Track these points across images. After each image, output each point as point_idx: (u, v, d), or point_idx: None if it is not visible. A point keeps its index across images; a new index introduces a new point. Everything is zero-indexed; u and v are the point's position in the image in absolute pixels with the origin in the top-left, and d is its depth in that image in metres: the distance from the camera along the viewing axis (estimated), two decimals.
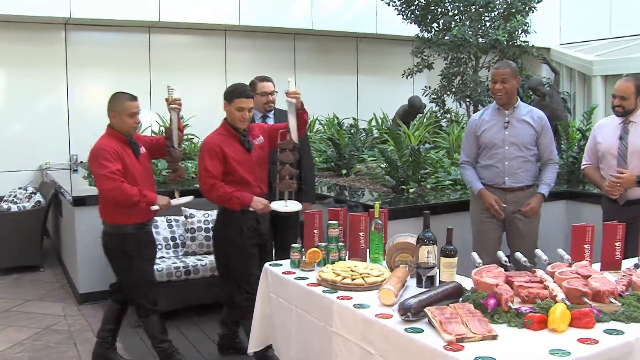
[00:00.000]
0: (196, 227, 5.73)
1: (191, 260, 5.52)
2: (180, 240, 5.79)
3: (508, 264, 3.42)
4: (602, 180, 4.79)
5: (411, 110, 8.90)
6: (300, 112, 4.45)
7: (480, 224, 5.04)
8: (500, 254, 3.59)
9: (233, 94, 4.41)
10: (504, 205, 4.91)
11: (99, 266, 5.94)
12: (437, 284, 3.32)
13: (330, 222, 3.84)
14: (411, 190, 6.09)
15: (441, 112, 9.59)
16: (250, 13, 10.32)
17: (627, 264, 3.67)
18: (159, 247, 5.65)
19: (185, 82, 10.24)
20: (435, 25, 9.33)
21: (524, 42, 9.19)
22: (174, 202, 4.48)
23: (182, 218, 5.84)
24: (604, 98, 10.15)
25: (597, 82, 10.16)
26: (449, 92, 9.20)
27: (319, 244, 3.84)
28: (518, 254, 3.62)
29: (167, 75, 10.19)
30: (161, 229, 5.74)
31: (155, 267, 5.29)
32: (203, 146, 4.48)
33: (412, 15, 9.33)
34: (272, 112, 5.24)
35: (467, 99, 9.04)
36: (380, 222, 3.81)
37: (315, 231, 3.90)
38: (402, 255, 3.59)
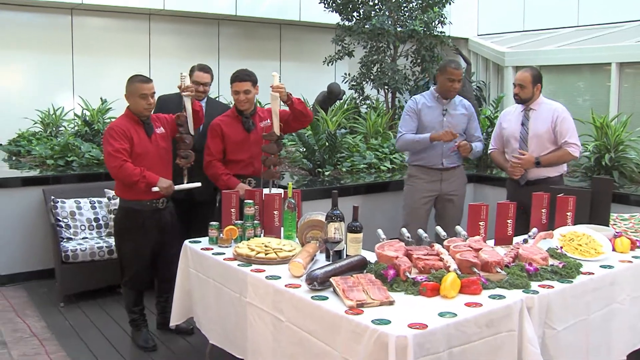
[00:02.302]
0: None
1: (114, 241, 5.64)
2: (104, 221, 5.90)
3: (409, 239, 3.73)
4: (506, 162, 5.22)
5: (330, 96, 9.15)
6: (290, 103, 4.65)
7: (415, 202, 5.48)
8: (404, 230, 3.90)
9: (231, 79, 4.77)
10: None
11: (20, 248, 6.01)
12: (344, 258, 3.59)
13: (246, 201, 4.07)
14: (327, 173, 6.37)
15: (360, 98, 9.89)
16: None
17: (519, 240, 4.04)
18: (82, 227, 5.76)
19: (109, 65, 10.27)
20: (355, 14, 9.58)
21: (441, 32, 9.57)
22: (178, 187, 4.57)
23: (105, 199, 5.95)
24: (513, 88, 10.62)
25: (508, 72, 10.66)
26: (368, 80, 9.50)
27: (236, 222, 4.07)
28: (438, 228, 3.93)
29: (90, 58, 10.16)
30: (84, 210, 5.84)
31: (79, 247, 5.43)
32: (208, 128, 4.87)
33: (334, 4, 9.57)
34: (204, 100, 5.41)
35: (385, 87, 9.36)
36: (293, 201, 4.05)
37: (232, 210, 4.12)
38: (313, 232, 3.85)
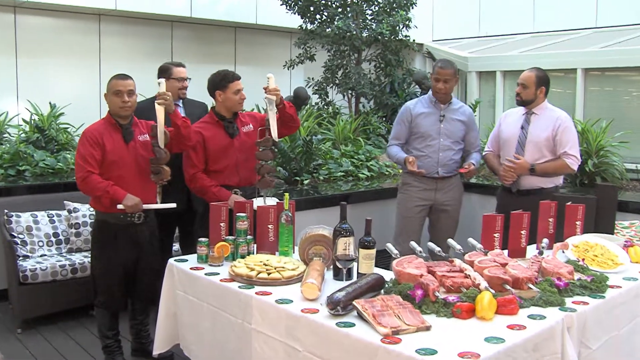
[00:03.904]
0: (81, 221, 5.34)
1: (77, 258, 5.15)
2: (64, 236, 5.38)
3: (424, 254, 3.40)
4: (500, 167, 4.94)
5: (297, 101, 8.81)
6: (281, 107, 4.30)
7: (408, 211, 5.19)
8: (414, 244, 3.58)
9: (226, 79, 4.38)
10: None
11: None
12: (356, 276, 3.26)
13: (238, 214, 3.68)
14: (305, 182, 6.02)
15: (323, 104, 9.58)
16: None
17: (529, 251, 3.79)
18: (40, 244, 5.24)
19: (57, 68, 9.70)
20: (318, 16, 9.28)
21: (406, 36, 9.35)
22: (147, 206, 4.08)
23: (64, 212, 5.43)
24: (478, 92, 10.52)
25: (472, 77, 10.50)
26: (332, 84, 9.20)
27: (227, 237, 3.68)
28: (431, 244, 3.63)
29: (36, 60, 9.55)
30: (42, 224, 5.31)
31: (38, 265, 4.92)
32: None
33: (296, 6, 9.25)
34: (182, 100, 4.99)
35: (351, 91, 9.08)
36: (290, 214, 3.69)
37: (221, 224, 3.72)
38: (316, 247, 3.50)
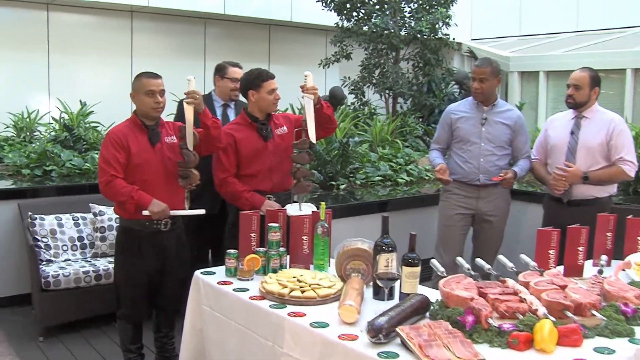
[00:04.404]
0: (106, 225, 5.13)
1: (102, 263, 4.93)
2: (89, 240, 5.16)
3: (472, 272, 3.10)
4: (548, 176, 4.59)
5: (332, 101, 8.52)
6: (319, 107, 4.02)
7: (449, 219, 4.87)
8: (461, 260, 3.28)
9: (260, 77, 4.09)
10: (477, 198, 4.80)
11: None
12: (398, 296, 2.97)
13: (270, 224, 3.41)
14: (342, 187, 5.73)
15: (359, 104, 9.28)
16: None
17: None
18: (64, 248, 5.04)
19: (88, 65, 9.59)
20: (354, 14, 9.00)
21: (445, 34, 9.01)
22: (174, 212, 3.82)
23: (90, 215, 5.21)
24: (520, 94, 10.18)
25: (514, 78, 10.16)
26: (369, 84, 8.90)
27: (257, 249, 3.41)
28: (480, 261, 3.32)
29: (68, 58, 9.45)
30: (67, 227, 5.11)
31: (61, 271, 4.71)
32: None
33: (332, 4, 8.98)
34: (235, 102, 4.77)
35: (388, 91, 8.77)
36: (326, 225, 3.42)
37: (252, 235, 3.45)
38: (354, 262, 3.21)
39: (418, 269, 2.96)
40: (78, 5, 9.47)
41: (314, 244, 3.42)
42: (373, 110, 9.21)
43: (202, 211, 3.91)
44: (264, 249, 3.40)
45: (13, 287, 5.33)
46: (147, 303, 3.96)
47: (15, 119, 8.03)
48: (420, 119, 9.45)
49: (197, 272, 3.41)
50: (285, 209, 3.73)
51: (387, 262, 2.92)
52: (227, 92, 4.72)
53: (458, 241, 4.84)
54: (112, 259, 4.93)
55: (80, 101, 8.04)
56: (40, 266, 4.78)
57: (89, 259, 5.06)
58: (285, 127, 4.23)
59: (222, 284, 3.22)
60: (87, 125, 7.54)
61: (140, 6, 9.62)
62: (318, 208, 3.52)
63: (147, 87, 3.76)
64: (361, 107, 9.27)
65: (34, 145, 6.87)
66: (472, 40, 12.80)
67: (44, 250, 4.94)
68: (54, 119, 7.82)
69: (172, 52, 10.12)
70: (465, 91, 8.24)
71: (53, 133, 7.43)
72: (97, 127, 7.76)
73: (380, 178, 6.01)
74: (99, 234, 5.12)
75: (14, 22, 9.12)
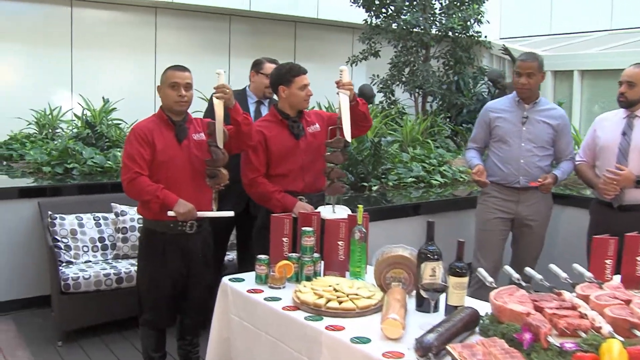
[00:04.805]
0: (128, 226, 4.93)
1: (123, 266, 4.73)
2: (110, 241, 4.97)
3: (524, 284, 2.85)
4: (596, 178, 4.30)
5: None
6: (354, 104, 3.77)
7: (487, 223, 4.60)
8: (509, 269, 3.03)
9: (291, 72, 3.84)
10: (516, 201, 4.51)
11: (8, 271, 5.09)
12: (443, 308, 2.74)
13: (304, 229, 3.18)
14: (374, 188, 5.48)
15: (388, 102, 9.04)
16: None
17: None
18: (85, 249, 4.85)
19: (112, 62, 9.47)
20: (383, 10, 8.76)
21: (477, 32, 8.74)
22: (202, 213, 3.60)
23: (111, 215, 5.02)
24: (553, 93, 9.90)
25: (547, 77, 9.87)
26: (399, 82, 8.65)
27: (290, 255, 3.18)
28: (530, 271, 3.07)
29: (91, 54, 9.33)
30: (87, 227, 4.91)
31: (81, 273, 4.52)
32: None
33: (360, 0, 8.74)
34: (269, 100, 4.57)
35: (418, 90, 8.52)
36: (364, 229, 3.19)
37: (284, 239, 3.23)
38: (395, 270, 2.98)
39: (466, 280, 2.73)
40: (102, 2, 9.35)
41: (351, 250, 3.19)
42: (402, 109, 8.94)
43: (231, 213, 3.69)
44: (297, 254, 3.18)
45: (32, 288, 5.15)
46: (171, 309, 3.75)
47: (37, 116, 7.90)
48: (448, 119, 9.18)
49: (225, 279, 3.19)
50: (319, 212, 3.50)
51: (433, 272, 2.68)
52: (262, 89, 4.50)
53: (497, 246, 4.57)
54: (133, 261, 4.79)
55: (103, 98, 7.89)
56: (60, 268, 4.59)
57: (110, 261, 4.86)
58: (317, 125, 3.99)
59: (252, 292, 3.00)
60: (110, 123, 7.37)
61: (165, 2, 9.49)
62: (354, 211, 3.28)
63: (172, 79, 3.56)
64: (390, 106, 9.02)
65: (55, 142, 6.71)
66: (500, 39, 12.54)
67: (64, 251, 4.75)
68: (76, 115, 7.67)
69: (196, 49, 9.95)
70: (499, 90, 7.96)
71: (75, 130, 7.28)
72: (120, 124, 7.60)
73: (413, 179, 5.75)
74: (120, 235, 4.92)
75: (37, 18, 9.01)
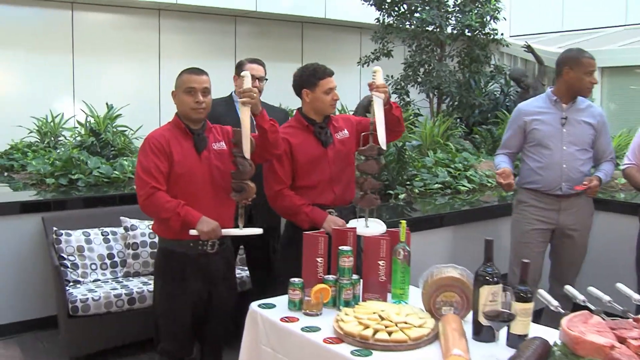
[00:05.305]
0: (139, 241, 4.60)
1: (135, 285, 4.40)
2: (120, 257, 4.64)
3: (593, 307, 2.53)
4: None
5: None
6: (387, 108, 3.45)
7: (525, 235, 4.21)
8: (573, 290, 2.71)
9: (316, 75, 3.50)
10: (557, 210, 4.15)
11: (11, 291, 4.76)
12: (506, 336, 2.43)
13: (341, 248, 2.86)
14: (401, 196, 5.15)
15: (402, 104, 8.72)
16: None
17: None
18: (93, 267, 4.53)
19: (115, 66, 9.19)
20: (396, 8, 8.44)
21: (493, 30, 8.43)
22: (226, 231, 3.25)
23: (121, 230, 4.69)
24: None
25: None
26: (414, 83, 8.33)
27: (326, 278, 2.86)
28: (594, 290, 2.74)
29: (93, 59, 9.01)
30: (95, 243, 4.59)
31: (90, 294, 4.19)
32: None
33: None
34: None
35: (435, 90, 8.20)
36: (408, 248, 2.87)
37: (319, 260, 2.91)
38: (446, 294, 2.66)
39: (531, 306, 2.41)
40: (103, 4, 9.04)
41: (392, 270, 2.87)
42: (417, 111, 8.62)
43: (259, 230, 3.32)
44: (333, 276, 2.86)
45: (37, 310, 4.82)
46: (191, 336, 3.42)
47: (39, 124, 7.60)
48: (459, 120, 8.83)
49: (254, 305, 2.87)
50: (355, 228, 3.18)
51: (494, 297, 2.38)
52: None
53: (536, 260, 4.17)
54: (146, 279, 4.48)
55: (107, 104, 7.58)
56: (67, 288, 4.26)
57: (120, 279, 4.54)
58: (346, 131, 3.66)
59: (287, 321, 2.68)
60: (115, 130, 7.05)
61: (168, 4, 9.17)
62: (397, 226, 2.96)
63: (188, 84, 3.22)
64: (404, 107, 8.69)
65: (58, 151, 6.41)
66: (510, 36, 12.26)
67: (71, 270, 4.43)
68: (79, 122, 7.37)
69: (201, 52, 9.64)
70: (523, 89, 7.64)
71: (79, 138, 6.97)
72: (125, 131, 7.28)
73: (439, 186, 5.42)
74: (131, 251, 4.60)
75: (37, 23, 8.70)
